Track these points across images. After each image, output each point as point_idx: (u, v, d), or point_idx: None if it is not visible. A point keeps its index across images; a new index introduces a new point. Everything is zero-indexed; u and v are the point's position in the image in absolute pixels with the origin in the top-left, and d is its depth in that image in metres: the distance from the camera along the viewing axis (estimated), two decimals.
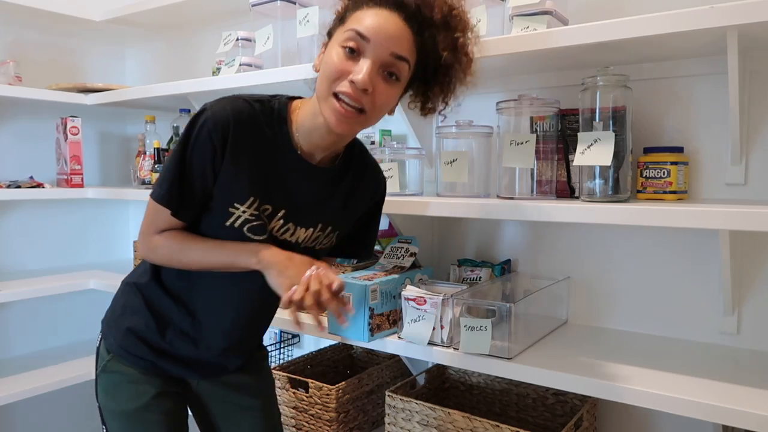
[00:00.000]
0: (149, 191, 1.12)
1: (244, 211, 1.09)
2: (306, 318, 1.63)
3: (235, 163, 1.07)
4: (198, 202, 1.10)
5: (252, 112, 1.08)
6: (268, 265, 1.08)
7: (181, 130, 1.74)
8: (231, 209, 1.09)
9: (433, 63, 1.07)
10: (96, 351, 1.26)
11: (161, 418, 1.19)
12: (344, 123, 1.02)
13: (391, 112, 1.10)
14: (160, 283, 1.19)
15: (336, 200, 1.19)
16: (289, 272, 1.06)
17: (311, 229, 1.17)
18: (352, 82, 0.98)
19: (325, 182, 1.17)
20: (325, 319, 1.00)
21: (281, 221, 1.13)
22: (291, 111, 1.12)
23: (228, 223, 1.10)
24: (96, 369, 1.24)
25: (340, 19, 1.06)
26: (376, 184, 1.27)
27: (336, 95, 1.00)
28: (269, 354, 1.97)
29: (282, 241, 1.15)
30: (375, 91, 1.00)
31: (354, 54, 1.00)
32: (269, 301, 1.20)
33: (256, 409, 1.32)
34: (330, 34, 1.08)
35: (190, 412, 1.32)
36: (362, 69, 0.99)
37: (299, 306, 1.01)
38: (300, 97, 1.16)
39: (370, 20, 1.00)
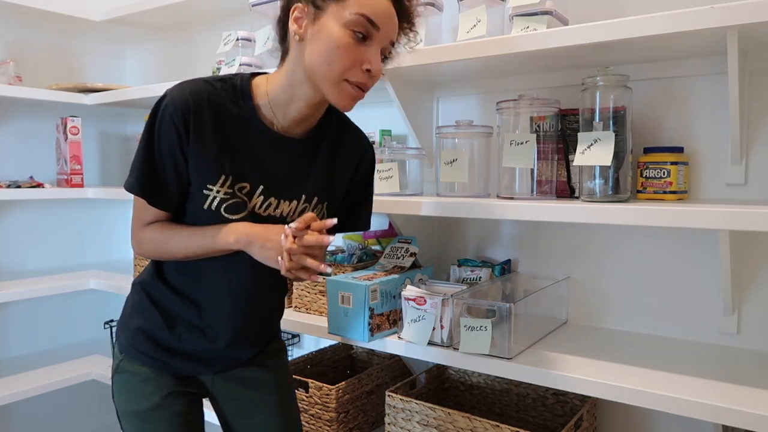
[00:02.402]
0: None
1: (218, 191, 1.09)
2: (306, 318, 1.64)
3: (201, 144, 1.07)
4: (174, 189, 1.10)
5: (212, 91, 1.09)
6: (247, 243, 1.08)
7: None
8: (205, 191, 1.09)
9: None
10: (112, 353, 1.26)
11: (172, 420, 1.19)
12: (353, 103, 1.06)
13: None
14: (163, 279, 1.19)
15: (316, 170, 1.19)
16: (270, 244, 1.06)
17: (295, 202, 1.17)
18: (368, 71, 1.03)
19: (300, 153, 1.16)
20: (324, 267, 1.02)
21: (261, 197, 1.13)
22: (255, 86, 1.13)
23: (206, 207, 1.10)
24: (111, 371, 1.25)
25: None
26: (362, 150, 1.26)
27: (347, 80, 1.03)
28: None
29: (267, 217, 1.14)
30: (378, 74, 1.06)
31: (363, 40, 1.02)
32: (267, 285, 1.21)
33: (271, 405, 1.30)
34: (317, 5, 1.03)
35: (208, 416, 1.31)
36: (376, 58, 1.03)
37: (299, 268, 1.03)
38: (261, 73, 1.16)
39: (377, 6, 1.01)
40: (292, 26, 1.05)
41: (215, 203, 1.10)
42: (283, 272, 1.04)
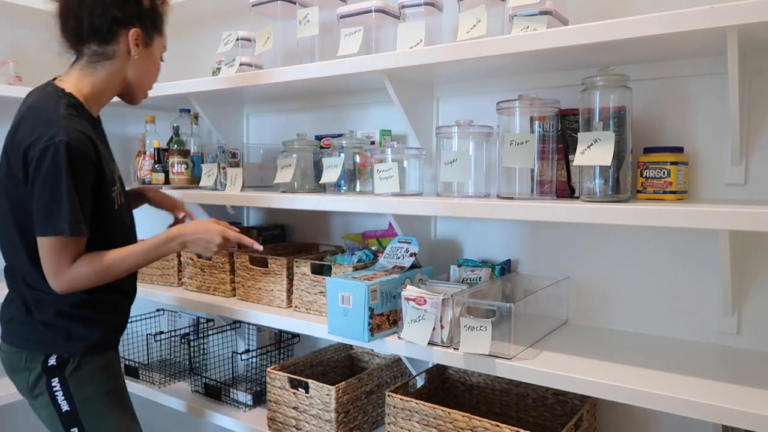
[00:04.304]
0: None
1: (117, 187, 1.40)
2: (306, 318, 1.64)
3: (102, 163, 1.32)
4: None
5: (79, 118, 1.29)
6: (192, 244, 1.43)
7: (181, 131, 1.89)
8: (112, 194, 1.36)
9: None
10: (43, 368, 1.35)
11: (127, 395, 1.51)
12: None
13: None
14: (108, 288, 1.38)
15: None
16: (210, 247, 1.45)
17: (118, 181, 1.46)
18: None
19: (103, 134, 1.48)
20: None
21: (117, 178, 1.43)
22: (74, 93, 1.34)
23: (116, 207, 1.38)
24: (60, 375, 1.36)
25: (160, 30, 1.45)
26: None
27: None
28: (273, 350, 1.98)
29: (125, 191, 1.51)
30: None
31: None
32: None
33: None
34: (151, 37, 1.41)
35: None
36: None
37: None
38: (56, 78, 1.39)
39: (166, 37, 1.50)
40: (133, 47, 1.37)
41: (121, 198, 1.40)
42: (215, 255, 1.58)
